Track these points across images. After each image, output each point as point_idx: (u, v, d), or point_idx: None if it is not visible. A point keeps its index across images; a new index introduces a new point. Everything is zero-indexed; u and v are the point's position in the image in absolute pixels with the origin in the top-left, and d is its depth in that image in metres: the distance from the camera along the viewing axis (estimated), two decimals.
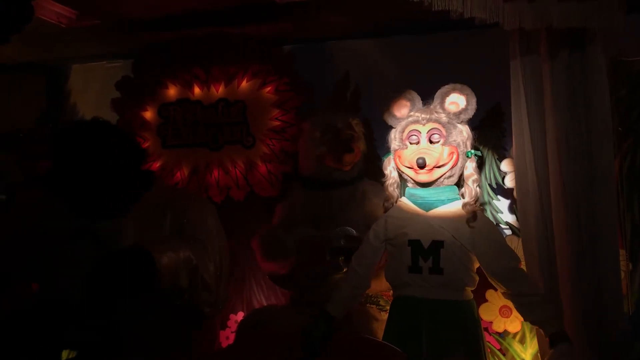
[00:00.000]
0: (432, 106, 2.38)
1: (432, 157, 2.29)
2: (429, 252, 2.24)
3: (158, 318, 2.39)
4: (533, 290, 2.24)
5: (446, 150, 2.30)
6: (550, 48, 2.29)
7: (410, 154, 2.32)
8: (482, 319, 2.64)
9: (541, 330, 2.24)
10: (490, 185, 3.13)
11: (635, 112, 2.82)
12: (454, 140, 2.31)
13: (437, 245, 2.24)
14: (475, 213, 2.28)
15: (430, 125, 2.32)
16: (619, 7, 2.13)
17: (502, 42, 2.42)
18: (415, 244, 2.27)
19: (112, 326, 2.29)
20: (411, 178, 2.36)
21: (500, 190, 3.12)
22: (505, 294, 2.29)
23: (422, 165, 2.26)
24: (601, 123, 2.26)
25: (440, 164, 2.30)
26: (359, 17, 3.17)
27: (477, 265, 2.31)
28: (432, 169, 2.30)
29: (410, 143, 2.34)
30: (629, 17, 2.19)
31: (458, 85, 2.36)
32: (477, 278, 2.30)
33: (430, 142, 2.31)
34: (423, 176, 2.31)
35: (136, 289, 2.21)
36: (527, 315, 2.25)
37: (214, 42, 3.46)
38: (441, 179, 2.33)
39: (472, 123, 2.45)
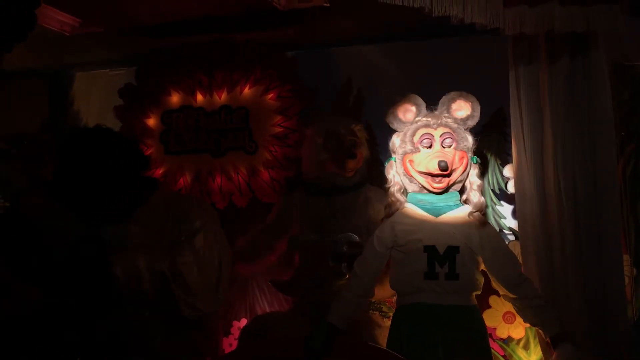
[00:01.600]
0: (438, 112, 2.38)
1: (449, 161, 2.29)
2: (444, 257, 2.25)
3: (158, 321, 2.40)
4: (536, 294, 2.25)
5: (457, 154, 2.31)
6: (551, 52, 2.29)
7: (425, 157, 2.31)
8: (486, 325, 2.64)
9: (542, 334, 2.24)
10: (493, 190, 3.12)
11: (637, 116, 2.81)
12: (465, 146, 2.33)
13: (453, 250, 2.25)
14: (485, 219, 2.31)
15: (442, 129, 2.33)
16: (621, 11, 2.13)
17: (505, 46, 2.42)
18: (431, 250, 2.26)
19: (113, 329, 2.31)
20: (424, 185, 2.35)
21: (503, 195, 3.11)
22: (506, 297, 2.30)
23: (445, 168, 2.26)
24: (603, 127, 2.27)
25: (453, 168, 2.30)
26: (362, 22, 3.17)
27: (481, 269, 2.32)
28: (447, 176, 2.30)
29: (423, 147, 2.33)
30: (632, 20, 2.19)
31: (463, 93, 2.38)
32: (483, 280, 2.31)
33: (443, 146, 2.31)
34: (439, 184, 2.31)
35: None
36: (529, 317, 2.27)
37: (217, 48, 3.47)
38: (453, 185, 2.33)
39: (474, 128, 2.45)
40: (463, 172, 2.33)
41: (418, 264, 2.26)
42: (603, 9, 2.11)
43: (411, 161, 2.35)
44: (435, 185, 2.31)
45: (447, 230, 2.27)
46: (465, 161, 2.32)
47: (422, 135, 2.34)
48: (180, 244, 2.44)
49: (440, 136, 2.32)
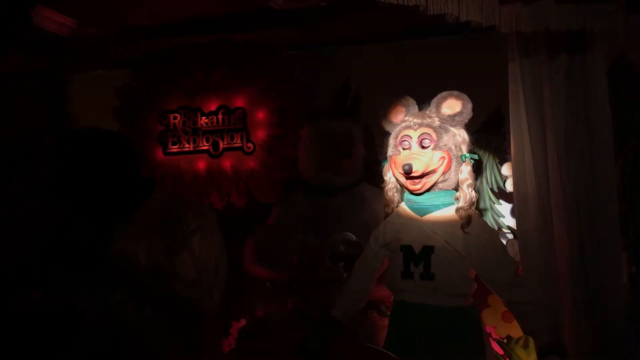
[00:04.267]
0: (427, 111, 2.36)
1: (422, 163, 2.25)
2: (419, 257, 2.22)
3: (160, 323, 2.40)
4: (528, 298, 2.17)
5: (437, 155, 2.26)
6: (549, 50, 2.28)
7: (402, 159, 2.30)
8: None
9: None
10: (491, 189, 3.11)
11: (636, 114, 2.80)
12: (445, 145, 2.27)
13: (427, 250, 2.22)
14: (470, 218, 2.24)
15: (422, 130, 2.29)
16: (619, 8, 2.11)
17: (504, 45, 2.41)
18: (407, 250, 2.25)
19: (115, 331, 2.31)
20: (404, 186, 2.34)
21: (501, 194, 3.10)
22: (502, 301, 2.26)
23: (408, 172, 2.22)
24: (602, 125, 2.25)
25: (430, 169, 2.26)
26: (359, 22, 3.17)
27: (474, 271, 2.28)
28: (421, 178, 2.27)
29: (403, 148, 2.31)
30: (631, 18, 2.17)
31: (455, 92, 2.33)
32: (475, 284, 2.27)
33: (422, 147, 2.29)
34: (414, 186, 2.29)
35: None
36: (522, 324, 2.20)
37: (215, 48, 3.47)
38: (435, 184, 2.31)
39: (473, 127, 2.43)
40: (446, 172, 2.30)
41: (397, 263, 2.27)
42: (599, 7, 2.09)
43: (394, 163, 2.34)
44: (411, 186, 2.30)
45: (427, 229, 2.24)
46: (446, 161, 2.28)
47: (401, 137, 2.32)
48: (176, 245, 2.44)
49: (418, 137, 2.29)
